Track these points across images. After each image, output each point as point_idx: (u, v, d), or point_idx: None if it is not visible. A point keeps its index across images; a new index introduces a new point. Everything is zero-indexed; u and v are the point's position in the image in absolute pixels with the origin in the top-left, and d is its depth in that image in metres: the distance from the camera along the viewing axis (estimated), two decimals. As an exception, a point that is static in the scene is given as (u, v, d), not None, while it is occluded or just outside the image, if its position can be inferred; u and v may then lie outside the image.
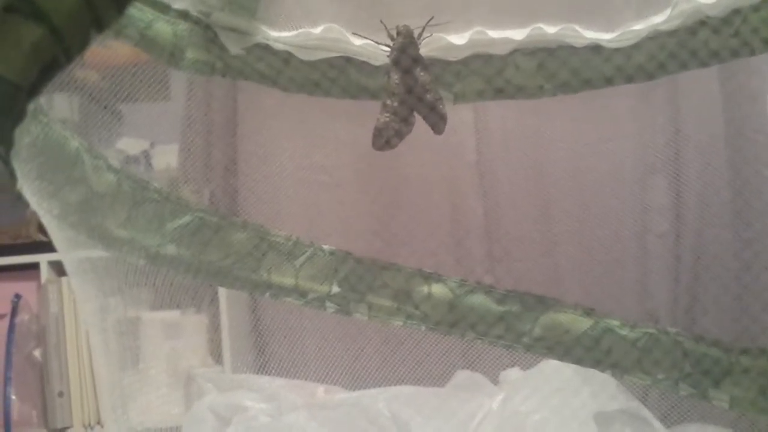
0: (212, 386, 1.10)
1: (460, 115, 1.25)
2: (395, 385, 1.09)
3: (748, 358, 0.73)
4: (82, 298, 1.00)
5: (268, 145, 1.33)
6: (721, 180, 1.22)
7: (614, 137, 1.25)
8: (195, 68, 0.71)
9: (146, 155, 1.56)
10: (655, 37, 0.73)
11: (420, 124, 1.14)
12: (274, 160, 1.34)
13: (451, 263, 1.31)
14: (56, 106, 1.43)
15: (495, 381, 1.10)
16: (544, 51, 0.75)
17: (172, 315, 1.39)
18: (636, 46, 0.73)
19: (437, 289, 0.75)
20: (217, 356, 1.38)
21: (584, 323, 0.74)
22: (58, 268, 1.45)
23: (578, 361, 0.74)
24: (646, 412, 0.97)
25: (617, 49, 0.74)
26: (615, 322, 0.74)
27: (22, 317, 1.42)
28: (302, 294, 0.74)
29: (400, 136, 0.73)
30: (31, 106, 0.57)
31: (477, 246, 1.32)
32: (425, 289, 0.75)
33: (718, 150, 1.22)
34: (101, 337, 1.37)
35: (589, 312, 0.75)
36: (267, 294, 0.74)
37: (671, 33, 0.72)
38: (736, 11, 0.70)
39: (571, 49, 0.75)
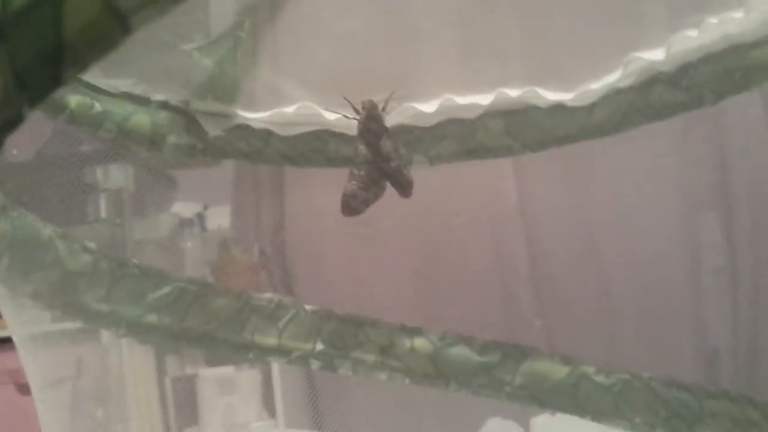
0: (249, 442, 1.14)
1: (499, 160, 1.27)
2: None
3: (714, 402, 0.74)
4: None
5: (313, 199, 1.38)
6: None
7: (658, 176, 1.25)
8: (176, 151, 0.76)
9: (200, 217, 1.62)
10: (613, 94, 0.75)
11: (456, 176, 1.17)
12: (318, 214, 1.39)
13: (499, 310, 1.32)
14: (111, 177, 1.52)
15: (527, 427, 1.12)
16: (512, 112, 0.78)
17: (227, 371, 1.45)
18: (596, 104, 0.76)
19: (419, 343, 0.78)
20: (271, 410, 1.42)
21: (561, 371, 0.76)
22: (118, 331, 1.53)
23: (559, 409, 0.76)
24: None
25: (579, 108, 0.77)
26: (590, 369, 0.76)
27: (85, 380, 1.49)
28: (286, 353, 0.78)
29: (367, 203, 0.77)
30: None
31: (525, 291, 1.32)
32: (408, 343, 0.78)
33: (768, 181, 1.21)
34: (157, 396, 1.43)
35: (567, 360, 0.76)
36: (250, 355, 0.79)
37: (627, 90, 0.75)
38: (688, 65, 0.72)
39: (536, 109, 0.77)
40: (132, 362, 1.52)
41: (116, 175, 1.50)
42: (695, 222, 1.25)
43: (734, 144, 1.21)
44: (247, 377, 1.45)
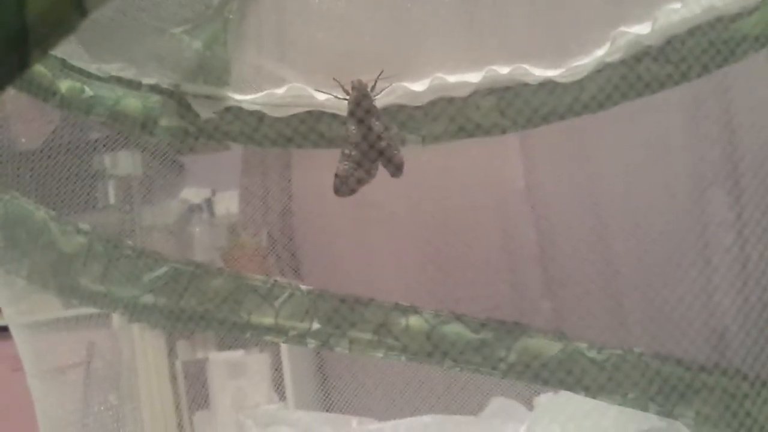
0: (252, 423, 1.15)
1: (506, 141, 1.27)
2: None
3: (708, 376, 0.74)
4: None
5: (320, 183, 1.38)
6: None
7: (666, 153, 1.25)
8: (169, 134, 0.76)
9: (208, 203, 1.63)
10: (601, 69, 0.75)
11: (464, 158, 1.17)
12: (326, 198, 1.39)
13: (506, 290, 1.33)
14: (120, 164, 1.53)
15: (530, 406, 1.12)
16: (503, 90, 0.78)
17: (237, 355, 1.46)
18: (586, 79, 0.76)
19: (414, 321, 0.79)
20: (281, 393, 1.43)
21: (555, 347, 0.76)
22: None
23: (553, 385, 0.77)
24: (683, 429, 0.98)
25: (569, 84, 0.77)
26: (583, 345, 0.76)
27: (97, 364, 1.51)
28: (282, 332, 0.79)
29: (361, 182, 0.78)
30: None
31: (533, 272, 1.33)
32: (403, 321, 0.79)
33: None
34: (168, 380, 1.44)
35: (559, 336, 0.77)
36: (247, 334, 0.79)
37: (615, 64, 0.75)
38: (674, 38, 0.72)
39: (527, 86, 0.78)
40: (143, 347, 1.53)
41: (125, 162, 1.51)
42: (704, 200, 1.25)
43: (743, 120, 1.21)
44: (257, 361, 1.46)
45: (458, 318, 0.79)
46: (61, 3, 0.34)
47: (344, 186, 0.76)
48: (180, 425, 1.52)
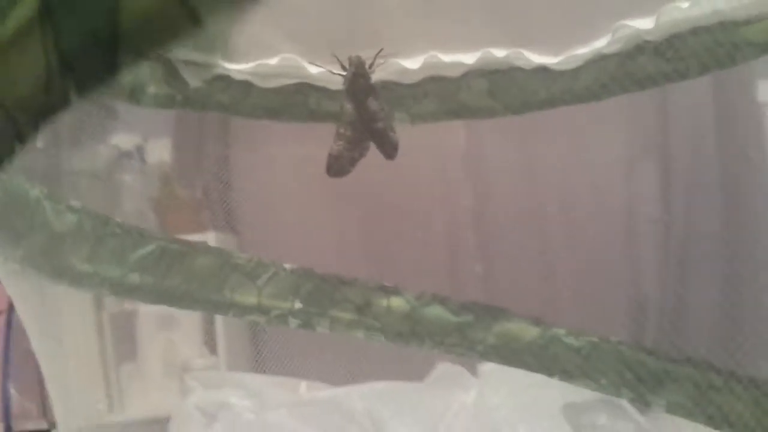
0: (198, 384, 1.13)
1: None
2: (384, 377, 1.13)
3: (679, 367, 0.76)
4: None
5: (261, 137, 1.35)
6: (709, 165, 1.23)
7: (602, 127, 1.26)
8: (156, 102, 0.73)
9: (140, 150, 1.58)
10: (598, 60, 0.75)
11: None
12: (267, 152, 1.36)
13: (442, 254, 1.34)
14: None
15: (475, 372, 1.13)
16: (495, 73, 0.78)
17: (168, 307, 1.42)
18: (581, 69, 0.76)
19: (395, 302, 0.78)
20: (212, 347, 1.41)
21: (533, 332, 0.77)
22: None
23: (529, 368, 0.78)
24: (621, 401, 1.00)
25: (563, 72, 0.76)
26: (561, 331, 0.77)
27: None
28: (265, 311, 0.77)
29: (353, 162, 0.76)
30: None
31: (466, 236, 1.34)
32: (384, 302, 0.78)
33: (708, 135, 1.23)
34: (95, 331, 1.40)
35: (537, 321, 0.78)
36: (230, 313, 0.78)
37: (613, 56, 0.74)
38: (675, 36, 0.72)
39: (520, 71, 0.77)
40: (68, 297, 1.49)
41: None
42: (635, 173, 1.27)
43: (678, 99, 1.23)
44: (188, 314, 1.43)
45: (439, 300, 0.79)
46: (167, 4, 0.31)
47: (338, 166, 0.74)
48: (106, 377, 1.49)
